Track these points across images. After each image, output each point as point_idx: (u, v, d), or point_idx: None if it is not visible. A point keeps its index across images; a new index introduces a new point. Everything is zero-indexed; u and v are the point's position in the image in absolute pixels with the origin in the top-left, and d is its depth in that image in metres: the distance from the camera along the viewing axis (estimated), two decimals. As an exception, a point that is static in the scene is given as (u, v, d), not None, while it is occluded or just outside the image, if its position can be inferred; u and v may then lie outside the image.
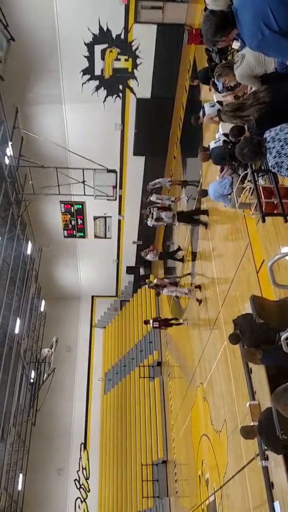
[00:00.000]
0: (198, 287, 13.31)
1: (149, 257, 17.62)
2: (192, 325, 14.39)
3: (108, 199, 18.43)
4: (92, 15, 15.32)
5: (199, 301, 13.20)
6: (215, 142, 8.06)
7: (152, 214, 17.44)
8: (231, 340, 6.30)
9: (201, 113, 9.55)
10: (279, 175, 3.86)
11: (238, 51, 5.22)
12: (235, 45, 4.11)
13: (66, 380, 24.80)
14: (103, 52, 16.24)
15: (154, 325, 17.23)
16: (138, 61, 16.56)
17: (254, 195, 5.68)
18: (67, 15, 15.11)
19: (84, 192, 18.31)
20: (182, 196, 16.54)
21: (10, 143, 17.08)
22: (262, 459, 6.82)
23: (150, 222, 15.90)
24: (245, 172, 6.17)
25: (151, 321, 17.43)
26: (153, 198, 16.79)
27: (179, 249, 16.72)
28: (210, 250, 11.96)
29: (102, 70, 16.71)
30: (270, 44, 3.06)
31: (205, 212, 12.55)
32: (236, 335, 6.09)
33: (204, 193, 8.92)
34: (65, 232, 23.24)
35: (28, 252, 22.23)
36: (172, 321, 16.68)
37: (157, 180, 17.16)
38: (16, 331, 19.81)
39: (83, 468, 22.61)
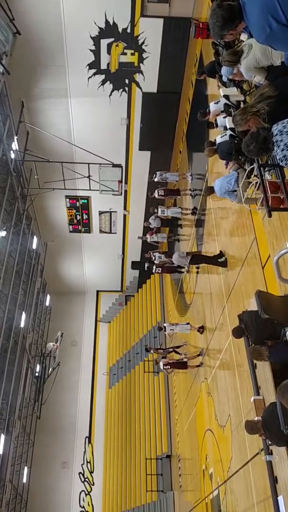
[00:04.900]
0: (201, 328, 13.32)
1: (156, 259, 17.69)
2: (197, 320, 14.39)
3: (113, 194, 18.38)
4: (98, 9, 15.26)
5: (201, 331, 13.32)
6: (221, 137, 8.03)
7: (154, 257, 17.95)
8: (234, 334, 6.29)
9: (207, 110, 9.57)
10: (287, 168, 3.85)
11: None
12: (244, 36, 4.10)
13: (71, 374, 24.96)
14: (109, 46, 16.18)
15: (164, 367, 14.79)
16: (144, 55, 16.49)
17: (260, 190, 5.65)
18: (73, 8, 15.05)
19: (90, 187, 18.29)
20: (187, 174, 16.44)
21: (15, 137, 17.11)
22: (266, 453, 6.84)
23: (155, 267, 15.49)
24: (252, 166, 6.14)
25: (160, 363, 14.88)
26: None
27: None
28: (216, 245, 11.94)
29: (108, 64, 16.66)
30: (278, 37, 3.04)
31: (224, 264, 10.94)
32: (240, 328, 6.08)
33: (210, 190, 8.87)
34: (71, 227, 23.33)
35: (34, 246, 22.31)
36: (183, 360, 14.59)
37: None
38: (22, 325, 19.94)
39: (87, 462, 22.78)
